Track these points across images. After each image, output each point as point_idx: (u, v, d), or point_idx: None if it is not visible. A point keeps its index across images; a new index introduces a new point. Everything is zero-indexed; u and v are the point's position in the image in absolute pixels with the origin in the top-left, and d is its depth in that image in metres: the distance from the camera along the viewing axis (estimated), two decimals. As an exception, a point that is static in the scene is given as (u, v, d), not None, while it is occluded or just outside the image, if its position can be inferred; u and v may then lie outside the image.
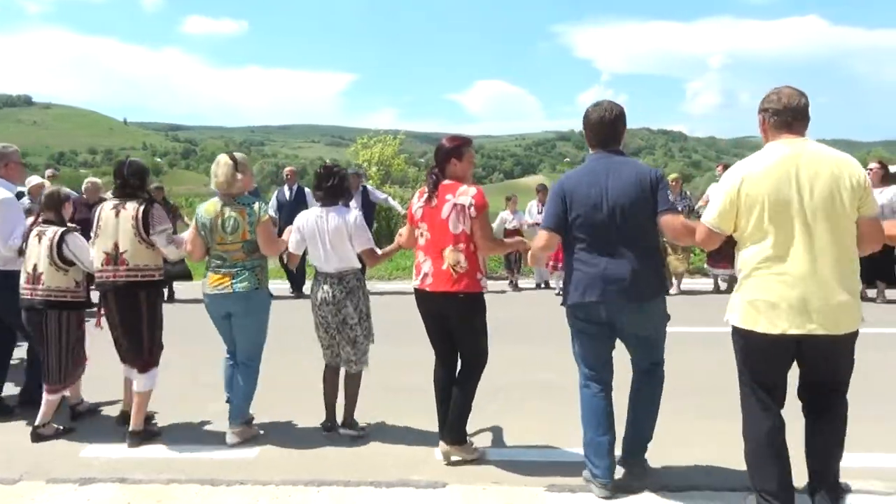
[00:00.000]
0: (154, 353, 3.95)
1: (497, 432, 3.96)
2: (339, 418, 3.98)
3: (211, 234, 3.77)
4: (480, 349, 3.48)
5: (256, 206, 3.77)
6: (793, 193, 2.61)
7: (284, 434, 3.98)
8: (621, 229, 2.98)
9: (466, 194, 3.35)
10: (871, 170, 7.57)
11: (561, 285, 4.49)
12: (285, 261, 4.31)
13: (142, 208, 3.84)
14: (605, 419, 3.12)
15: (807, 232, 2.60)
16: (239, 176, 3.75)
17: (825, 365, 2.74)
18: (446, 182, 3.43)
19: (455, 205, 3.35)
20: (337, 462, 3.57)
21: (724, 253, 7.39)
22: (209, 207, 3.80)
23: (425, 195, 3.47)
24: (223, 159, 3.78)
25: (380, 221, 14.44)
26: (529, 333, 6.56)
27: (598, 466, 3.07)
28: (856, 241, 2.68)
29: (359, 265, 3.87)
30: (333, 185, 3.82)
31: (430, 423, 3.83)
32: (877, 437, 3.65)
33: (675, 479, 3.23)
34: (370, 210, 9.46)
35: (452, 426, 3.44)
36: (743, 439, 2.83)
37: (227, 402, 3.94)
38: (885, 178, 7.35)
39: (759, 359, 2.76)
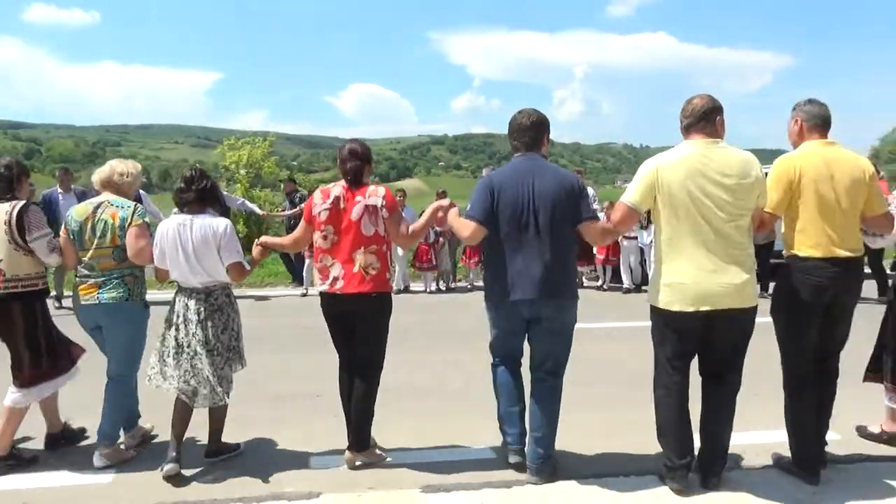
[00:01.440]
0: (37, 368, 3.51)
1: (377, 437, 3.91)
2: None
3: (80, 239, 3.49)
4: (382, 351, 3.48)
5: (131, 209, 3.49)
6: (702, 185, 2.96)
7: (151, 453, 3.66)
8: (544, 229, 3.14)
9: (376, 195, 3.34)
10: None
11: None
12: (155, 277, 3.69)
13: (15, 211, 3.43)
14: (515, 392, 3.36)
15: (710, 221, 2.95)
16: (128, 178, 3.59)
17: (727, 340, 3.07)
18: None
19: (367, 206, 3.32)
20: (203, 481, 3.35)
21: (582, 250, 8.04)
22: (80, 210, 3.53)
23: (330, 197, 3.37)
24: (122, 161, 3.64)
25: (250, 227, 13.92)
26: (410, 336, 6.55)
27: (511, 434, 3.32)
28: (751, 229, 3.09)
29: (228, 279, 3.50)
30: (204, 189, 3.43)
31: (305, 433, 3.74)
32: (759, 416, 3.86)
33: (601, 465, 3.40)
34: (225, 216, 8.94)
35: (358, 433, 3.41)
36: (655, 410, 3.18)
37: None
38: None
39: (675, 335, 3.06)
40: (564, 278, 3.21)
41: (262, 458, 3.62)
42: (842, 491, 3.13)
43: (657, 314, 3.12)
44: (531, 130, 3.28)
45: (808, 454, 3.22)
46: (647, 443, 3.40)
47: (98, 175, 3.59)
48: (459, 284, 10.59)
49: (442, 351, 5.93)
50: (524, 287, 3.14)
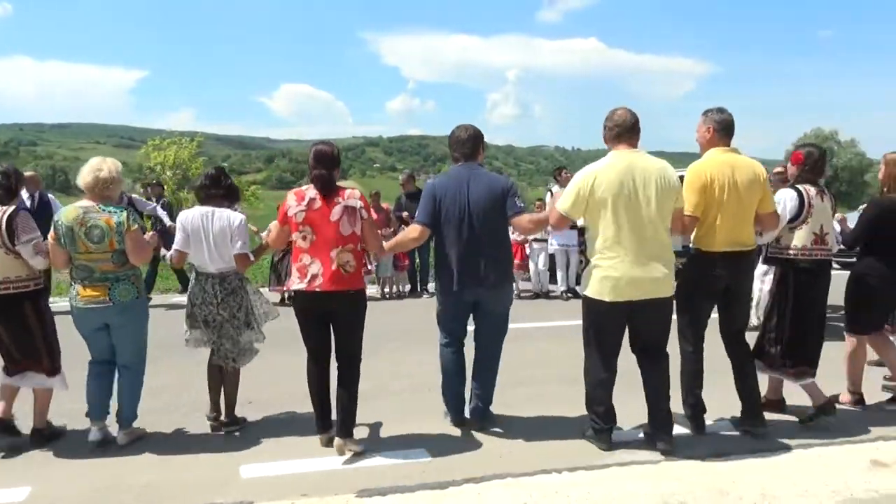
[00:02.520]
0: (55, 358, 3.84)
1: (306, 443, 3.85)
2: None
3: (73, 243, 3.55)
4: (360, 346, 3.72)
5: (125, 213, 3.60)
6: (630, 191, 3.39)
7: (68, 466, 3.57)
8: (479, 228, 3.71)
9: (354, 198, 3.55)
10: (565, 175, 9.44)
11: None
12: (169, 262, 4.23)
13: (5, 216, 3.60)
14: (460, 371, 3.98)
15: (638, 222, 3.41)
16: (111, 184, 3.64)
17: (650, 325, 3.59)
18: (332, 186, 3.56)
19: (346, 208, 3.51)
20: (130, 494, 3.26)
21: None
22: (69, 213, 3.57)
23: (305, 199, 3.51)
24: (102, 159, 3.68)
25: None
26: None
27: (452, 404, 4.00)
28: (669, 228, 3.55)
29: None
30: (231, 186, 3.99)
31: (235, 440, 3.66)
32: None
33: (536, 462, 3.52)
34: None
35: (347, 418, 3.62)
36: (585, 382, 3.75)
37: (87, 415, 3.77)
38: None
39: (604, 321, 3.57)
40: (499, 267, 3.81)
41: (192, 467, 3.57)
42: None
43: (591, 303, 3.57)
44: (468, 142, 3.86)
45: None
46: (559, 435, 3.79)
47: (82, 181, 3.64)
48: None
49: (382, 354, 5.87)
50: (467, 277, 3.73)
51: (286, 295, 10.00)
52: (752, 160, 3.82)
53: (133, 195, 9.12)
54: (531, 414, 4.30)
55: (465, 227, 3.72)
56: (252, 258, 3.94)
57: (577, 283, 8.86)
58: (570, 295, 9.18)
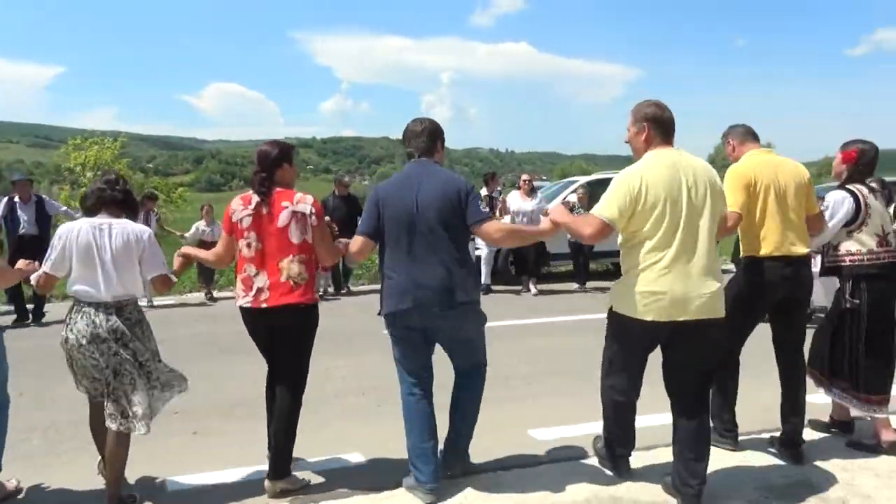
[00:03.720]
0: None
1: (239, 452, 3.75)
2: None
3: None
4: (306, 371, 3.31)
5: None
6: (681, 192, 2.89)
7: None
8: (431, 236, 3.03)
9: (305, 202, 3.17)
10: (524, 181, 9.82)
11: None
12: (34, 286, 3.18)
13: None
14: (428, 425, 3.17)
15: (691, 228, 2.88)
16: None
17: (695, 350, 2.97)
18: (278, 189, 3.19)
19: (295, 213, 3.14)
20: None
21: None
22: None
23: (252, 203, 3.18)
24: None
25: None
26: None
27: (423, 472, 3.12)
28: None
29: (141, 292, 3.20)
30: (127, 191, 3.20)
31: (159, 453, 3.54)
32: (573, 410, 4.17)
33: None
34: (46, 222, 8.11)
35: (280, 457, 3.19)
36: (603, 404, 3.29)
37: None
38: (532, 191, 8.97)
39: (641, 343, 3.04)
40: (456, 286, 3.05)
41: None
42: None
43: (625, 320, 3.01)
44: (423, 135, 3.21)
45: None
46: (521, 438, 3.71)
47: None
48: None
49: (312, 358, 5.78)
50: (414, 296, 3.02)
51: (211, 295, 9.60)
52: (793, 161, 3.59)
53: (44, 196, 8.64)
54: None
55: (413, 237, 3.04)
56: (174, 278, 3.28)
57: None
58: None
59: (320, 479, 3.39)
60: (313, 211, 3.19)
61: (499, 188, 10.35)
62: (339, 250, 3.38)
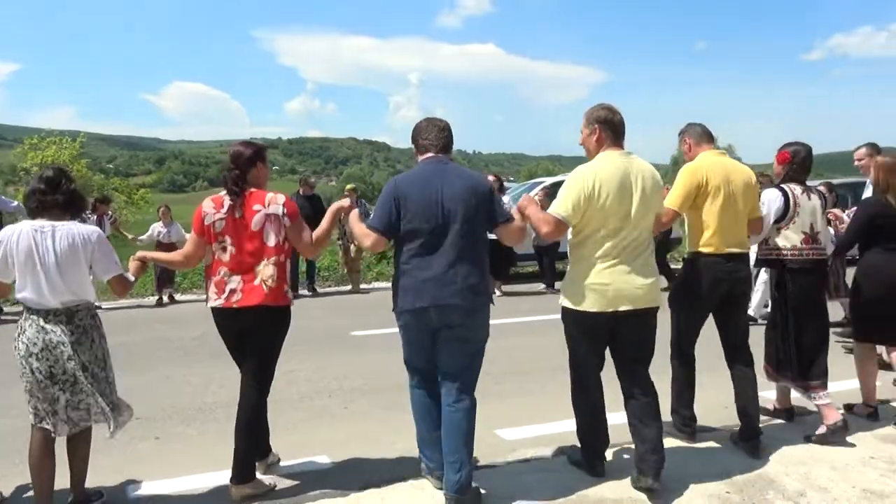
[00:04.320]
0: None
1: (201, 457, 3.70)
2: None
3: None
4: (272, 373, 3.30)
5: None
6: (628, 193, 3.08)
7: None
8: (454, 235, 2.97)
9: (276, 202, 3.16)
10: (492, 180, 9.94)
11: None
12: None
13: None
14: (436, 416, 3.15)
15: (633, 225, 3.10)
16: None
17: (637, 337, 3.20)
18: (251, 190, 3.18)
19: (268, 216, 3.13)
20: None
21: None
22: None
23: (224, 206, 3.14)
24: None
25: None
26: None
27: (433, 460, 3.18)
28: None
29: (93, 297, 3.06)
30: (73, 192, 2.99)
31: (122, 460, 3.47)
32: (538, 410, 4.24)
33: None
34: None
35: (244, 460, 3.15)
36: (574, 406, 3.39)
37: None
38: (501, 189, 8.91)
39: (593, 335, 3.19)
40: (478, 284, 3.03)
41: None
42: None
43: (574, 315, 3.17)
44: (445, 132, 3.17)
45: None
46: (487, 437, 3.71)
47: None
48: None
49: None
50: (434, 294, 2.95)
51: (172, 297, 9.45)
52: (744, 165, 3.81)
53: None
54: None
55: (438, 234, 2.97)
56: (132, 279, 3.17)
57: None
58: None
59: (287, 483, 3.38)
60: (285, 211, 3.17)
61: None
62: (321, 240, 3.37)
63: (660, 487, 3.10)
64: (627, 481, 3.26)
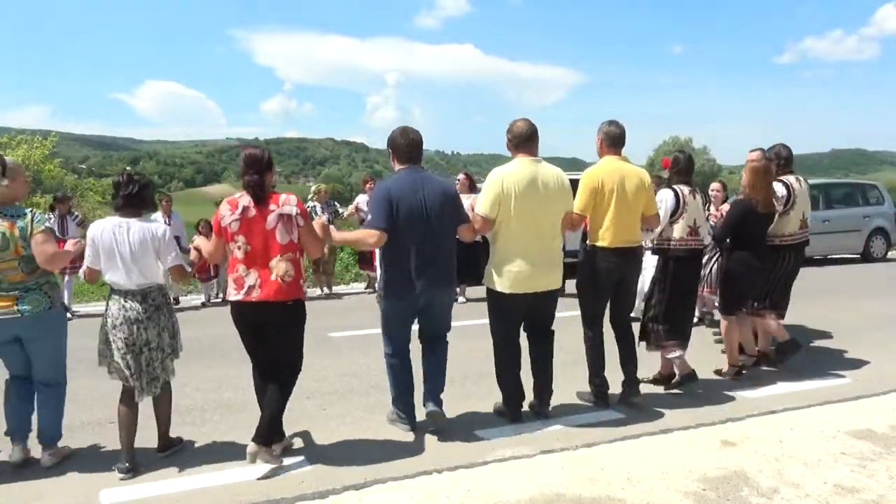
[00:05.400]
0: None
1: (179, 461, 3.66)
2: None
3: None
4: (301, 354, 3.64)
5: (28, 216, 3.44)
6: (533, 193, 3.80)
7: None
8: (435, 231, 3.73)
9: (290, 204, 3.42)
10: (458, 180, 9.92)
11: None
12: (82, 278, 3.74)
13: None
14: (410, 380, 3.98)
15: (537, 222, 3.85)
16: (5, 182, 3.42)
17: (543, 313, 4.09)
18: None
19: (282, 215, 3.39)
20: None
21: (368, 257, 9.50)
22: None
23: (239, 207, 3.40)
24: None
25: None
26: (209, 351, 6.18)
27: (407, 415, 3.99)
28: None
29: (163, 281, 3.62)
30: (132, 194, 3.51)
31: (99, 463, 3.44)
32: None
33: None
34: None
35: (266, 426, 3.45)
36: (496, 368, 4.17)
37: (6, 434, 3.64)
38: (472, 187, 9.34)
39: (509, 311, 3.99)
40: (452, 269, 3.94)
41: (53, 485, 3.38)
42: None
43: (497, 295, 3.96)
44: (417, 146, 3.84)
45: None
46: (464, 438, 3.88)
47: None
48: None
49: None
50: (426, 280, 3.73)
51: (208, 298, 9.36)
52: (639, 168, 4.37)
53: None
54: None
55: (424, 231, 3.71)
56: (189, 269, 3.69)
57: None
58: None
59: (261, 484, 3.36)
60: (298, 212, 3.45)
61: None
62: (323, 241, 3.72)
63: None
64: (606, 480, 3.30)
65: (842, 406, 4.42)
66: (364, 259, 10.02)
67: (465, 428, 4.05)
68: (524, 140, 3.91)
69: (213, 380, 5.12)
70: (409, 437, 3.95)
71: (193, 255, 3.77)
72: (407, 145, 3.83)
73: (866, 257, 13.10)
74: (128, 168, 3.83)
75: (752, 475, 3.39)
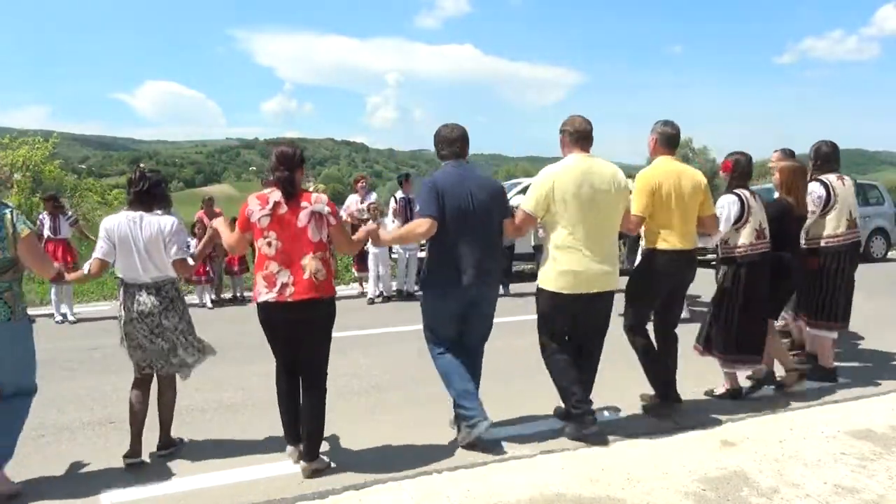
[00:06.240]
0: None
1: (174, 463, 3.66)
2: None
3: None
4: (327, 359, 3.56)
5: (9, 215, 3.18)
6: (588, 191, 3.66)
7: None
8: (482, 226, 3.68)
9: (321, 202, 3.41)
10: None
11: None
12: (87, 271, 3.62)
13: None
14: (465, 371, 3.77)
15: (593, 221, 3.69)
16: None
17: (597, 314, 3.90)
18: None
19: (313, 213, 3.36)
20: None
21: (365, 257, 9.57)
22: None
23: (270, 202, 3.33)
24: None
25: None
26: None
27: (472, 408, 3.67)
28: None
29: (175, 274, 3.64)
30: (142, 191, 3.57)
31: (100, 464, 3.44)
32: (517, 409, 4.35)
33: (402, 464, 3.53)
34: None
35: (312, 444, 3.45)
36: (552, 374, 3.96)
37: None
38: None
39: (561, 313, 3.84)
40: (498, 266, 3.87)
41: (55, 491, 3.37)
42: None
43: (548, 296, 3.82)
44: (458, 141, 3.80)
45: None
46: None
47: None
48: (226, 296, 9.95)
49: (247, 364, 5.67)
50: (470, 274, 3.63)
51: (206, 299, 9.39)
52: (694, 169, 4.24)
53: None
54: (411, 415, 4.34)
55: (470, 225, 3.65)
56: (192, 262, 3.67)
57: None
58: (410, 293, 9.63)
59: (260, 485, 3.37)
60: (329, 210, 3.43)
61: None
62: (359, 242, 3.82)
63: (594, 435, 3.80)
64: (606, 480, 3.30)
65: (842, 406, 4.42)
66: (363, 259, 9.92)
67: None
68: (584, 136, 3.81)
69: (213, 380, 5.10)
70: (409, 437, 3.94)
71: (210, 232, 3.80)
72: (453, 139, 3.80)
73: (866, 257, 13.11)
74: (141, 164, 3.89)
75: (752, 475, 3.38)
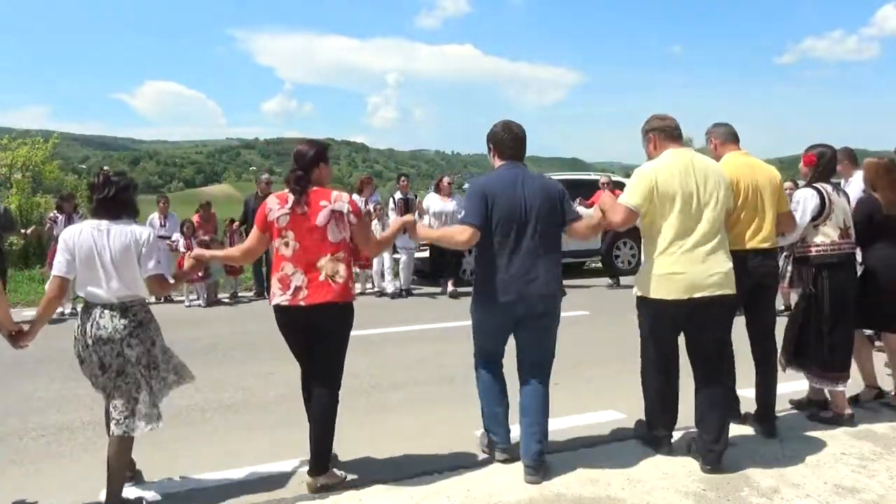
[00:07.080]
0: None
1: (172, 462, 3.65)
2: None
3: None
4: (342, 368, 3.36)
5: None
6: (690, 188, 3.35)
7: None
8: (537, 234, 3.31)
9: (342, 200, 3.25)
10: (446, 183, 10.01)
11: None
12: (47, 289, 3.18)
13: None
14: (501, 394, 3.54)
15: (700, 219, 3.35)
16: None
17: (710, 323, 3.43)
18: (314, 188, 3.24)
19: (333, 212, 3.20)
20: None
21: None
22: None
23: (289, 202, 3.21)
24: None
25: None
26: (205, 351, 6.17)
27: (499, 434, 3.51)
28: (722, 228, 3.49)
29: (145, 293, 3.17)
30: (107, 198, 3.08)
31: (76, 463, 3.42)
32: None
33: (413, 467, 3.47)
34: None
35: (319, 454, 3.25)
36: (643, 390, 3.68)
37: None
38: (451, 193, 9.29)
39: (664, 321, 3.45)
40: (555, 277, 3.39)
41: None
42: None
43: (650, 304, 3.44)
44: (519, 142, 3.50)
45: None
46: (465, 439, 3.77)
47: None
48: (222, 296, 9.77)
49: (247, 364, 5.67)
50: (523, 286, 3.29)
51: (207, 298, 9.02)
52: (766, 164, 3.95)
53: None
54: (411, 416, 4.34)
55: (522, 232, 3.31)
56: (172, 281, 3.27)
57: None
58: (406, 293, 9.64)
59: (259, 485, 3.37)
60: (350, 209, 3.26)
61: (414, 193, 10.69)
62: (383, 243, 3.65)
63: (716, 473, 3.38)
64: (606, 480, 3.30)
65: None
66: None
67: (465, 429, 4.04)
68: (677, 131, 3.57)
69: (213, 380, 5.10)
70: (409, 437, 3.94)
71: (189, 265, 3.43)
72: (510, 140, 3.49)
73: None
74: (105, 168, 3.36)
75: (752, 475, 3.38)
